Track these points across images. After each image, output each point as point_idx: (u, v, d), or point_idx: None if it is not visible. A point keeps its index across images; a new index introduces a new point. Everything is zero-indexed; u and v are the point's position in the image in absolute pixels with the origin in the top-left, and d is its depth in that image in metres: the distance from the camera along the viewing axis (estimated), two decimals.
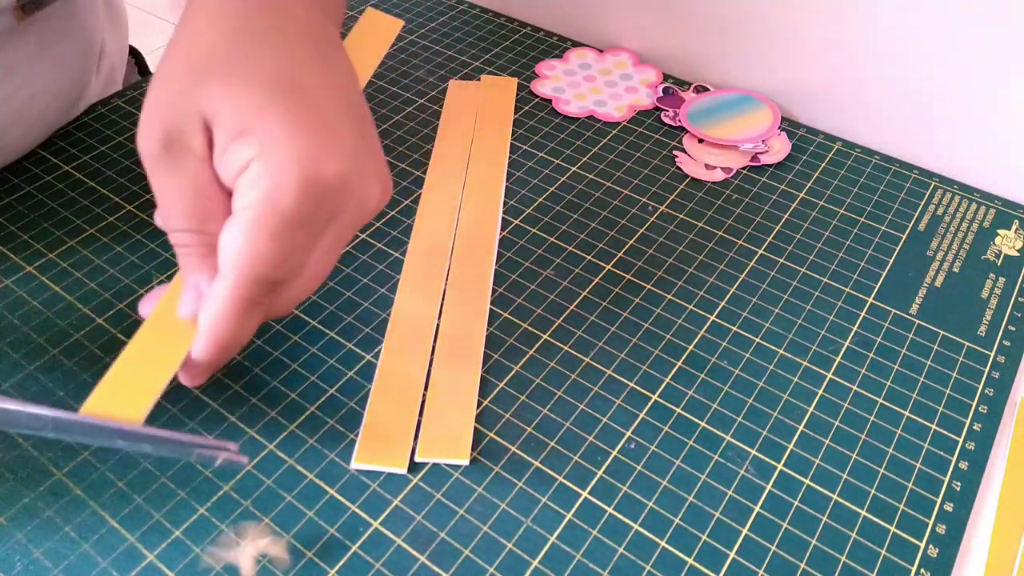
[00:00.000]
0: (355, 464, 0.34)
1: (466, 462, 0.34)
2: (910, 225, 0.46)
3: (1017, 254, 0.45)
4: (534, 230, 0.45)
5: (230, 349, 0.30)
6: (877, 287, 0.43)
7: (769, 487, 0.34)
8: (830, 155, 0.51)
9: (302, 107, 0.28)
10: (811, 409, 0.37)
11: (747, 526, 0.33)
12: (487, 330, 0.40)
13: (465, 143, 0.50)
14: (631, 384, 0.38)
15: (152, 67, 0.62)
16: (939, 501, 0.34)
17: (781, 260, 0.44)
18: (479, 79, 0.55)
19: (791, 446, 0.36)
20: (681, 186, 0.48)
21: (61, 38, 0.47)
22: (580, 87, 0.55)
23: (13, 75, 0.44)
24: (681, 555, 0.32)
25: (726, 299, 0.42)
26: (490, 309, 0.41)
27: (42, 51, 0.46)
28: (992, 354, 0.40)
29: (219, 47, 0.29)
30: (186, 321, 0.30)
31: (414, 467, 0.34)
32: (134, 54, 0.61)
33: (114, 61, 0.56)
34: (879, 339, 0.40)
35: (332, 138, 0.28)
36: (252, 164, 0.28)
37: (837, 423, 0.36)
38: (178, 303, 0.30)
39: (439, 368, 0.37)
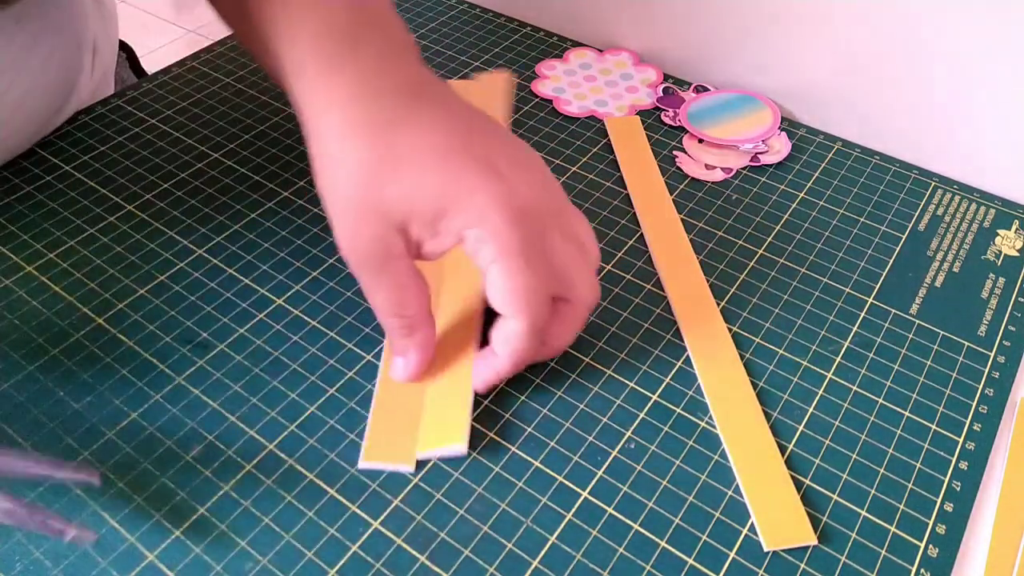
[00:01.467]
0: (362, 463, 0.34)
1: (464, 449, 0.34)
2: (910, 225, 0.46)
3: (1017, 254, 0.45)
4: None
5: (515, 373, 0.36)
6: (877, 287, 0.43)
7: None
8: (830, 155, 0.51)
9: (477, 165, 0.33)
10: (811, 409, 0.37)
11: (747, 526, 0.33)
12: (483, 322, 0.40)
13: None
14: (631, 384, 0.38)
15: (146, 67, 0.62)
16: (939, 501, 0.34)
17: (781, 260, 0.44)
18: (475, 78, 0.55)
19: (791, 446, 0.36)
20: (681, 186, 0.48)
21: (50, 33, 0.47)
22: (581, 87, 0.55)
23: (3, 73, 0.44)
24: (681, 555, 0.32)
25: (726, 299, 0.42)
26: (490, 309, 0.40)
27: (32, 47, 0.45)
28: (992, 354, 0.40)
29: (375, 154, 0.32)
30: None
31: (417, 465, 0.34)
32: (124, 48, 0.61)
33: (105, 55, 0.55)
34: (879, 339, 0.40)
35: (512, 178, 0.33)
36: (468, 232, 0.32)
37: (837, 423, 0.36)
38: (392, 370, 0.36)
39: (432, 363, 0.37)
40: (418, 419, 0.35)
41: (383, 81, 0.33)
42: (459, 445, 0.34)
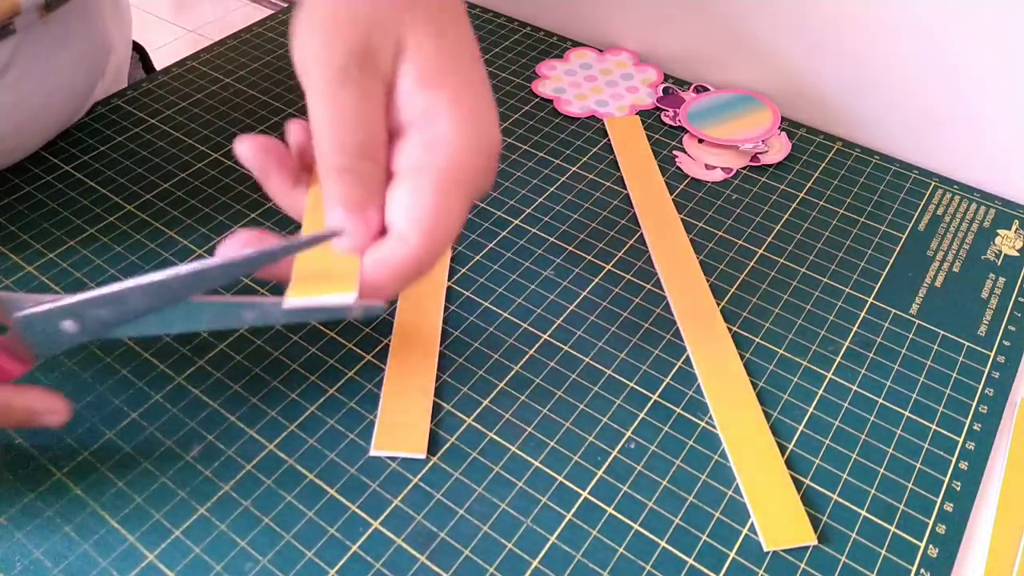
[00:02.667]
0: (373, 451, 0.34)
1: (422, 456, 0.34)
2: (910, 225, 0.46)
3: (1017, 254, 0.45)
4: (534, 230, 0.45)
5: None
6: (877, 287, 0.43)
7: None
8: (830, 155, 0.51)
9: (481, 78, 0.29)
10: (811, 409, 0.37)
11: (747, 526, 0.33)
12: (489, 329, 0.40)
13: None
14: (631, 384, 0.38)
15: (159, 64, 0.62)
16: (939, 501, 0.34)
17: (781, 260, 0.44)
18: None
19: (791, 446, 0.36)
20: (681, 186, 0.48)
21: (76, 36, 0.47)
22: (581, 87, 0.55)
23: (32, 74, 0.44)
24: (681, 555, 0.32)
25: (726, 299, 0.42)
26: (490, 309, 0.41)
27: (59, 49, 0.46)
28: (992, 354, 0.40)
29: None
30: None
31: (414, 466, 0.34)
32: (138, 49, 0.61)
33: (120, 57, 0.56)
34: (879, 339, 0.40)
35: (494, 115, 0.29)
36: (437, 119, 0.28)
37: (837, 423, 0.36)
38: (333, 217, 0.28)
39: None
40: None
41: None
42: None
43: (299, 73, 0.28)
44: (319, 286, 0.28)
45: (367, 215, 0.28)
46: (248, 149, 0.29)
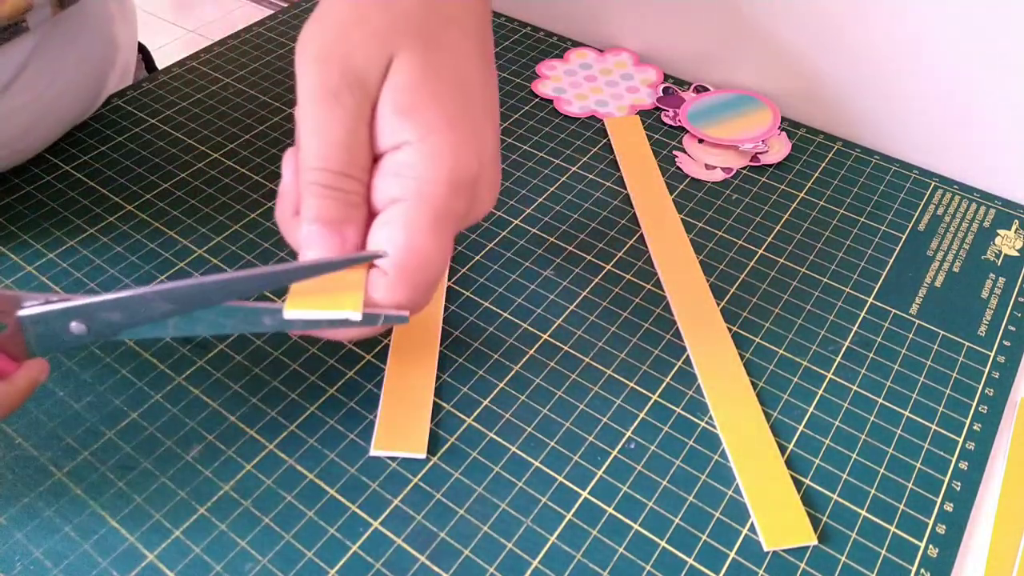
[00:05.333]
0: (374, 451, 0.34)
1: (422, 456, 0.34)
2: (910, 225, 0.46)
3: (1017, 254, 0.45)
4: (534, 230, 0.45)
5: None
6: (877, 287, 0.43)
7: None
8: (830, 155, 0.51)
9: (464, 105, 0.29)
10: (811, 409, 0.37)
11: (747, 526, 0.33)
12: (489, 329, 0.40)
13: None
14: (631, 384, 0.38)
15: (159, 64, 0.62)
16: (939, 501, 0.34)
17: (781, 260, 0.44)
18: None
19: (791, 446, 0.36)
20: (681, 186, 0.48)
21: (85, 36, 0.48)
22: (581, 87, 0.55)
23: (43, 73, 0.45)
24: (681, 555, 0.32)
25: (726, 299, 0.42)
26: (490, 309, 0.41)
27: (69, 50, 0.46)
28: (992, 354, 0.40)
29: (416, 12, 0.29)
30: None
31: (414, 466, 0.34)
32: (141, 50, 0.62)
33: (127, 57, 0.56)
34: (879, 339, 0.40)
35: (478, 142, 0.29)
36: (406, 149, 0.28)
37: (837, 423, 0.36)
38: (309, 251, 0.29)
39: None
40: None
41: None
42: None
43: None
44: (322, 299, 0.28)
45: (344, 233, 0.28)
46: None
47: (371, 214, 0.29)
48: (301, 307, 0.28)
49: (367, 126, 0.28)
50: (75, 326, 0.28)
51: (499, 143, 0.32)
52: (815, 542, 0.32)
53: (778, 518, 0.33)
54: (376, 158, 0.29)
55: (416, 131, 0.28)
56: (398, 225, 0.28)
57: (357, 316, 0.28)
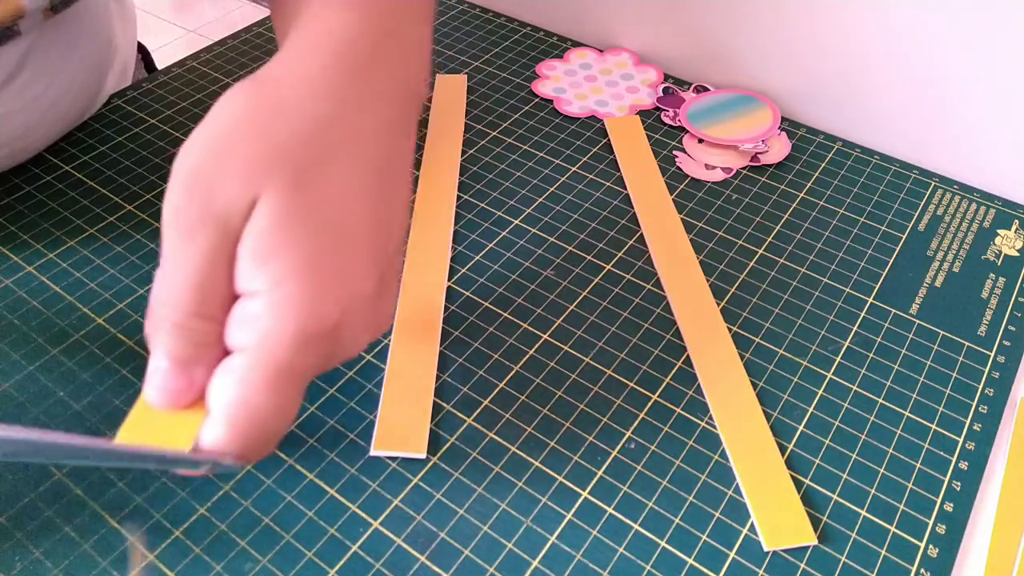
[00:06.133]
0: (374, 451, 0.34)
1: (423, 456, 0.34)
2: (910, 225, 0.46)
3: (1017, 254, 0.45)
4: (534, 230, 0.45)
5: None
6: (877, 287, 0.43)
7: None
8: (830, 155, 0.51)
9: (333, 247, 0.27)
10: (811, 409, 0.37)
11: (747, 526, 0.33)
12: (489, 329, 0.40)
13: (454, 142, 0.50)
14: (631, 384, 0.38)
15: (159, 64, 0.62)
16: (939, 501, 0.34)
17: (781, 260, 0.44)
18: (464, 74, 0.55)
19: (791, 446, 0.36)
20: (681, 186, 0.48)
21: (83, 38, 0.48)
22: (581, 87, 0.55)
23: (42, 75, 0.45)
24: (681, 555, 0.32)
25: (726, 299, 0.42)
26: (490, 309, 0.41)
27: (68, 51, 0.46)
28: (992, 354, 0.40)
29: (291, 145, 0.27)
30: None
31: (414, 466, 0.34)
32: (140, 50, 0.62)
33: (126, 58, 0.56)
34: (879, 339, 0.40)
35: (343, 287, 0.27)
36: (256, 299, 0.26)
37: (837, 423, 0.36)
38: (152, 387, 0.28)
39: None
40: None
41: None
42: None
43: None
44: (155, 432, 0.27)
45: (191, 373, 0.27)
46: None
47: (226, 353, 0.28)
48: (131, 438, 0.27)
49: (226, 265, 0.27)
50: None
51: (394, 269, 0.30)
52: (815, 542, 0.32)
53: (778, 518, 0.33)
54: (237, 296, 0.27)
55: (267, 281, 0.26)
56: (233, 378, 0.26)
57: (183, 453, 0.26)
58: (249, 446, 0.27)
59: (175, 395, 0.27)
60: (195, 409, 0.27)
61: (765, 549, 0.32)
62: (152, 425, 0.27)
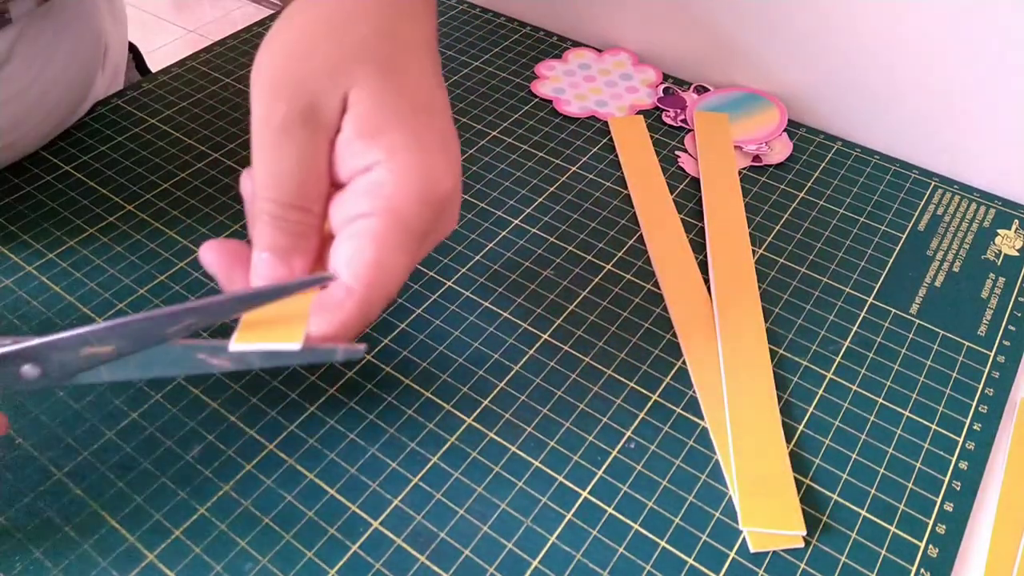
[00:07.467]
0: (233, 346, 0.28)
1: (802, 532, 0.32)
2: (910, 225, 0.46)
3: (1017, 254, 0.45)
4: (534, 230, 0.45)
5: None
6: (877, 287, 0.43)
7: None
8: (830, 155, 0.51)
9: (430, 124, 0.29)
10: (811, 409, 0.37)
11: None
12: (489, 329, 0.39)
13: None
14: (631, 384, 0.38)
15: (151, 66, 0.62)
16: (939, 501, 0.34)
17: (781, 260, 0.44)
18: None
19: (791, 446, 0.36)
20: (681, 186, 0.48)
21: (72, 30, 0.48)
22: (580, 87, 0.55)
23: (29, 67, 0.45)
24: (681, 555, 0.32)
25: None
26: (490, 309, 0.41)
27: (56, 44, 0.46)
28: (992, 354, 0.40)
29: (371, 41, 0.29)
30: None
31: (414, 466, 0.34)
32: (132, 50, 0.62)
33: (117, 56, 0.56)
34: (879, 339, 0.40)
35: (448, 158, 0.29)
36: (376, 169, 0.28)
37: (837, 423, 0.36)
38: (257, 276, 0.29)
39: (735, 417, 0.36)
40: (789, 473, 0.34)
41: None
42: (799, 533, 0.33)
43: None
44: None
45: (292, 263, 0.29)
46: (213, 256, 0.30)
47: (325, 243, 0.29)
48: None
49: (323, 158, 0.28)
50: (28, 369, 0.26)
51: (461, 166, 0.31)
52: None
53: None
54: (338, 187, 0.29)
55: (384, 151, 0.28)
56: (366, 238, 0.28)
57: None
58: (374, 308, 0.28)
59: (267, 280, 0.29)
60: (300, 303, 0.28)
61: (740, 527, 0.32)
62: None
